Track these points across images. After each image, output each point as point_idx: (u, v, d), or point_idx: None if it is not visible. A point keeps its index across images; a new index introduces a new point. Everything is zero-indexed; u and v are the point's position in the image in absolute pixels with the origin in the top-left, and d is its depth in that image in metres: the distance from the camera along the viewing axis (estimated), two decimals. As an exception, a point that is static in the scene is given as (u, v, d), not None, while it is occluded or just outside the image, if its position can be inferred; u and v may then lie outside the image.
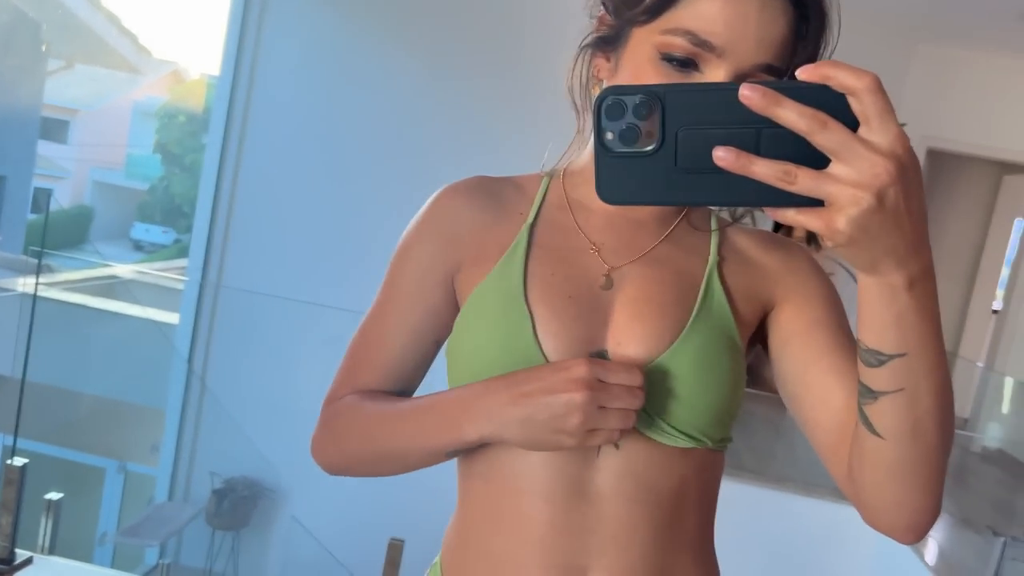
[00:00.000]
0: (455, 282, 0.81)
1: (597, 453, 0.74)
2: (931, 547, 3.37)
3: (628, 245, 0.79)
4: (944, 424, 0.62)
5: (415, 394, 0.85)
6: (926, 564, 3.18)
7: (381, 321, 0.82)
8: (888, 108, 0.48)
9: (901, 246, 0.52)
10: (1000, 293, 6.30)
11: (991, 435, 5.76)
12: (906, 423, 0.61)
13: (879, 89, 0.48)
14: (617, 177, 0.53)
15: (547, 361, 0.73)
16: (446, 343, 0.80)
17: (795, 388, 0.76)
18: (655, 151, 0.51)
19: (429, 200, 0.82)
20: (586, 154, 0.82)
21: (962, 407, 6.25)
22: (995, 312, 6.33)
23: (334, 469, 0.84)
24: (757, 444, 4.27)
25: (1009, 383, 5.56)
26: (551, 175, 0.84)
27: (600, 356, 0.74)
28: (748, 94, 0.48)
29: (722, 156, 0.48)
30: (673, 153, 0.51)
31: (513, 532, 0.75)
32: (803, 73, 0.49)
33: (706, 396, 0.74)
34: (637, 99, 0.51)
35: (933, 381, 0.59)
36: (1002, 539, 2.92)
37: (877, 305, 0.56)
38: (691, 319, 0.75)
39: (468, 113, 4.39)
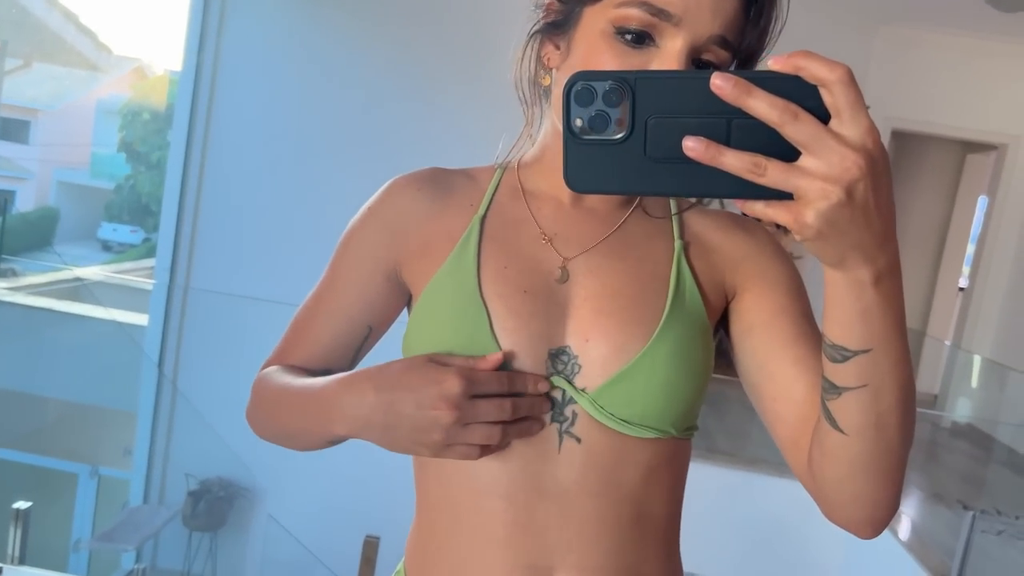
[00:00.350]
0: (401, 273, 0.80)
1: (559, 449, 0.72)
2: (904, 523, 3.43)
3: (581, 235, 0.77)
4: (906, 421, 0.61)
5: None
6: (900, 540, 3.23)
7: (319, 302, 0.82)
8: (860, 101, 0.47)
9: (869, 241, 0.51)
10: (966, 270, 6.40)
11: (960, 411, 5.86)
12: (869, 419, 0.60)
13: (851, 81, 0.47)
14: (585, 165, 0.52)
15: (507, 361, 0.71)
16: (402, 338, 0.78)
17: (756, 378, 0.75)
18: (624, 139, 0.50)
19: (379, 190, 0.81)
20: (538, 145, 0.80)
21: (931, 384, 6.35)
22: (961, 289, 6.43)
23: (261, 436, 0.85)
24: (730, 426, 4.31)
25: (977, 360, 5.66)
26: (504, 166, 0.82)
27: (561, 353, 0.73)
28: (719, 83, 0.47)
29: (692, 146, 0.48)
30: (643, 141, 0.50)
31: (475, 534, 0.73)
32: (775, 63, 0.48)
33: (682, 389, 0.73)
34: (607, 85, 0.50)
35: (897, 378, 0.59)
36: (972, 512, 2.97)
37: (844, 300, 0.55)
38: (666, 311, 0.74)
39: (435, 106, 4.36)
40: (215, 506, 4.54)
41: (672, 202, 0.81)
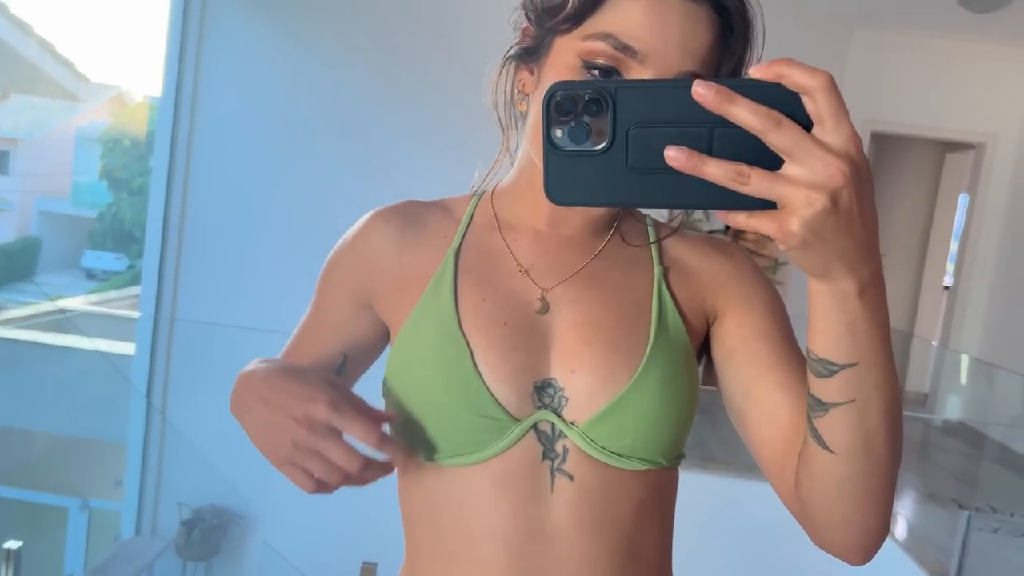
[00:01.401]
0: (376, 308, 0.79)
1: (551, 489, 0.71)
2: (900, 524, 3.43)
3: (559, 264, 0.76)
4: (894, 437, 0.60)
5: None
6: (896, 541, 3.24)
7: (302, 327, 0.84)
8: (842, 108, 0.47)
9: (853, 250, 0.50)
10: (950, 268, 6.45)
11: (951, 410, 5.88)
12: (857, 436, 0.59)
13: (833, 88, 0.47)
14: (565, 177, 0.50)
15: (491, 395, 0.70)
16: (383, 377, 0.77)
17: (740, 403, 0.74)
18: (605, 150, 0.49)
19: (354, 225, 0.82)
20: (514, 171, 0.79)
21: (921, 383, 6.37)
22: (946, 288, 6.47)
23: None
24: (725, 435, 4.31)
25: (965, 359, 5.70)
26: (479, 195, 0.81)
27: (547, 386, 0.72)
28: (701, 91, 0.46)
29: (673, 156, 0.47)
30: (624, 152, 0.49)
31: None
32: (757, 71, 0.47)
33: (671, 418, 0.72)
34: (587, 95, 0.49)
35: (884, 392, 0.58)
36: (967, 511, 2.97)
37: (829, 313, 0.54)
38: (651, 340, 0.73)
39: (418, 129, 4.37)
40: (209, 535, 4.50)
41: (651, 230, 0.81)
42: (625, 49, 0.65)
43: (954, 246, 6.44)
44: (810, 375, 0.59)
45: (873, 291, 0.54)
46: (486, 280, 0.75)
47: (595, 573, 0.71)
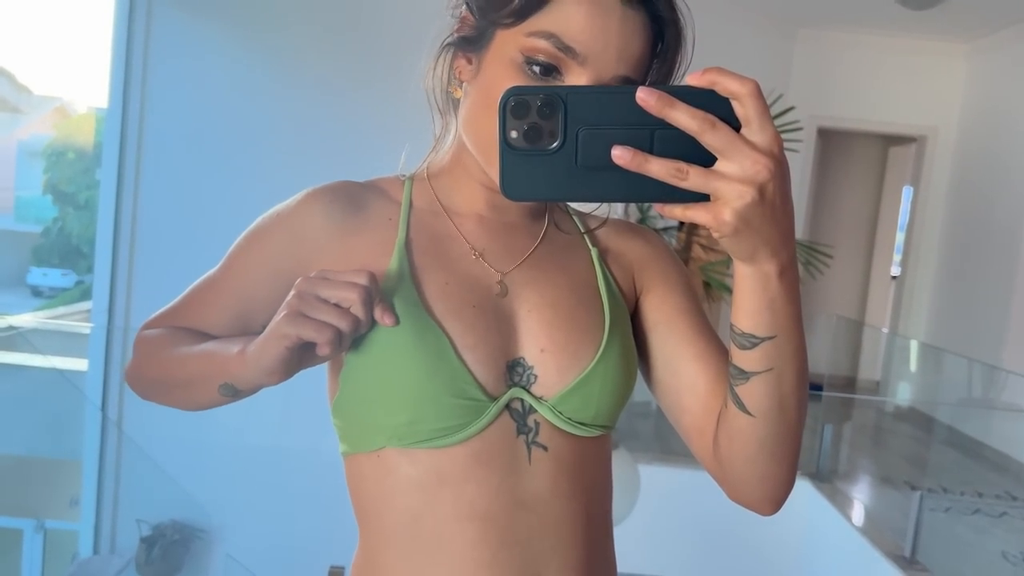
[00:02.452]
0: None
1: (529, 461, 0.74)
2: (856, 508, 3.52)
3: (508, 249, 0.80)
4: (803, 401, 0.68)
5: None
6: (854, 525, 3.32)
7: (214, 291, 0.83)
8: (766, 111, 0.53)
9: (776, 237, 0.57)
10: (897, 258, 6.63)
11: (901, 395, 6.04)
12: (773, 400, 0.66)
13: (759, 94, 0.52)
14: (520, 174, 0.55)
15: (474, 378, 0.72)
16: (341, 370, 0.76)
17: (663, 375, 0.81)
18: (557, 149, 0.54)
19: (292, 198, 0.81)
20: (448, 156, 0.81)
21: (872, 371, 6.53)
22: (894, 278, 6.64)
23: (137, 391, 0.85)
24: (685, 428, 4.37)
25: (915, 345, 5.85)
26: (411, 178, 0.83)
27: (516, 365, 0.75)
28: (644, 97, 0.52)
29: (619, 155, 0.52)
30: (574, 151, 0.54)
31: (461, 559, 0.73)
32: (692, 78, 0.53)
33: (626, 387, 0.78)
34: (540, 99, 0.54)
35: (796, 361, 0.65)
36: (919, 493, 3.06)
37: (753, 292, 0.61)
38: (607, 317, 0.78)
39: (366, 129, 4.36)
40: (170, 551, 4.42)
41: (577, 220, 0.86)
42: (567, 50, 0.68)
43: (900, 237, 6.63)
44: (733, 348, 0.66)
45: (790, 272, 0.61)
46: (443, 264, 0.77)
47: (574, 534, 0.76)
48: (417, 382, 0.71)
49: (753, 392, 0.66)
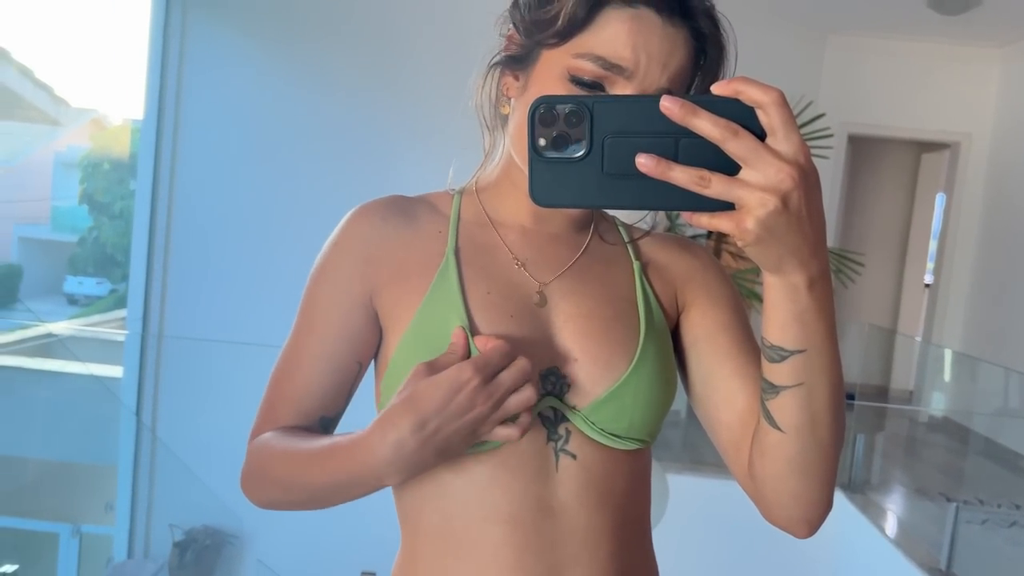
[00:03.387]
0: (376, 303, 0.79)
1: (556, 468, 0.75)
2: (890, 519, 3.47)
3: (550, 260, 0.81)
4: (837, 418, 0.67)
5: (342, 418, 0.84)
6: (887, 537, 3.27)
7: (299, 350, 0.80)
8: (791, 120, 0.53)
9: (803, 247, 0.56)
10: (930, 266, 6.53)
11: (935, 405, 5.94)
12: (804, 416, 0.65)
13: (783, 103, 0.53)
14: (548, 181, 0.56)
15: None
16: (383, 376, 0.78)
17: (702, 389, 0.80)
18: (584, 157, 0.55)
19: (342, 221, 0.81)
20: (497, 170, 0.83)
21: (906, 380, 6.43)
22: (927, 286, 6.55)
23: (261, 505, 0.83)
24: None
25: (948, 354, 5.76)
26: (461, 192, 0.85)
27: (550, 374, 0.76)
28: (668, 105, 0.52)
29: (644, 162, 0.53)
30: (600, 159, 0.55)
31: (485, 561, 0.74)
32: (717, 88, 0.53)
33: (662, 401, 0.78)
34: (568, 108, 0.55)
35: (829, 376, 0.64)
36: (955, 504, 3.02)
37: (781, 303, 0.60)
38: (642, 330, 0.78)
39: (399, 145, 4.39)
40: (202, 556, 4.47)
41: (623, 231, 0.87)
42: (613, 68, 0.70)
43: (933, 244, 6.53)
44: (763, 360, 0.65)
45: (821, 284, 0.60)
46: (487, 274, 0.79)
47: (600, 543, 0.76)
48: None
49: (783, 407, 0.66)
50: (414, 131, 4.38)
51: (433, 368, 0.69)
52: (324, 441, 0.75)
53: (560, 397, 0.76)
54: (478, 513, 0.74)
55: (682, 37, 0.71)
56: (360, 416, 0.84)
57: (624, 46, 0.69)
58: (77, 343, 5.70)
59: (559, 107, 0.55)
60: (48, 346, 5.45)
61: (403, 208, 0.81)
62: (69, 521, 5.30)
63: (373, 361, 0.82)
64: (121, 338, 4.74)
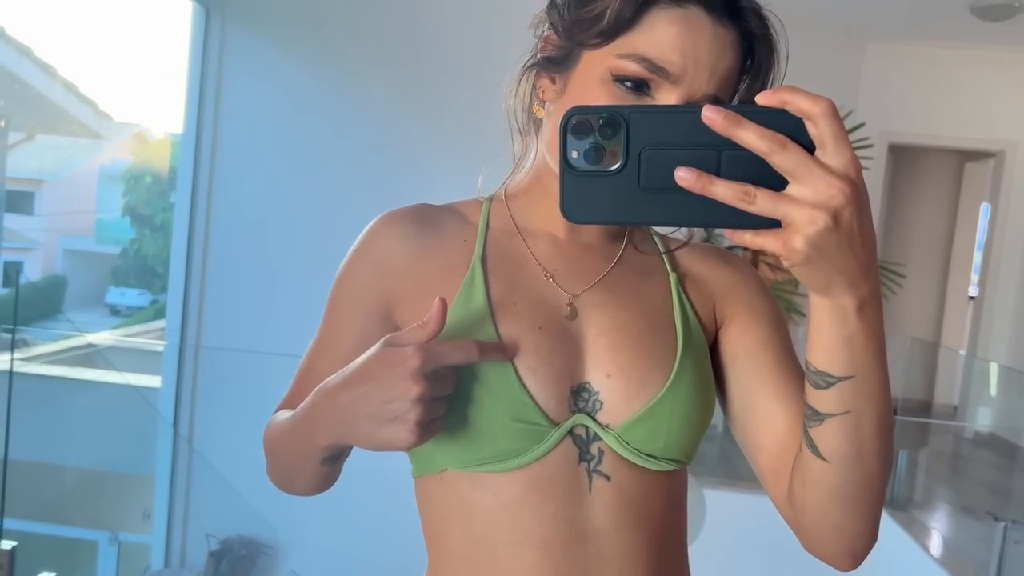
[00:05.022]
0: (395, 313, 0.78)
1: (589, 490, 0.72)
2: (935, 538, 3.38)
3: (581, 271, 0.78)
4: (885, 449, 0.63)
5: None
6: (932, 556, 3.18)
7: (319, 352, 0.81)
8: (843, 132, 0.49)
9: (854, 268, 0.53)
10: (975, 278, 6.39)
11: (981, 420, 5.80)
12: (850, 446, 0.62)
13: (834, 114, 0.49)
14: (581, 196, 0.53)
15: (535, 402, 0.71)
16: None
17: (740, 411, 0.77)
18: (619, 171, 0.52)
19: (365, 229, 0.80)
20: (528, 176, 0.80)
21: (950, 395, 6.29)
22: (972, 298, 6.40)
23: (283, 489, 0.84)
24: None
25: (994, 368, 5.62)
26: (490, 199, 0.82)
27: (582, 390, 0.73)
28: (710, 115, 0.49)
29: (683, 176, 0.49)
30: (636, 173, 0.52)
31: None
32: (762, 98, 0.50)
33: (699, 421, 0.74)
34: (602, 119, 0.52)
35: (877, 405, 0.60)
36: (1003, 524, 2.93)
37: (829, 327, 0.57)
38: (679, 346, 0.75)
39: (439, 155, 4.41)
40: (237, 565, 4.50)
41: (658, 240, 0.83)
42: (659, 71, 0.67)
43: (978, 256, 6.39)
44: (808, 386, 0.62)
45: (871, 307, 0.56)
46: (514, 285, 0.76)
47: (636, 569, 0.72)
48: (475, 404, 0.70)
49: (827, 435, 0.62)
50: (447, 145, 4.40)
51: (393, 337, 0.67)
52: (292, 411, 0.75)
53: (592, 415, 0.72)
54: (507, 536, 0.71)
55: (731, 39, 0.68)
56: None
57: (672, 49, 0.66)
58: (117, 353, 5.80)
59: (592, 118, 0.52)
60: (89, 356, 5.55)
61: (428, 216, 0.79)
62: (108, 529, 5.37)
63: None
64: (160, 348, 4.81)
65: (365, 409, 0.65)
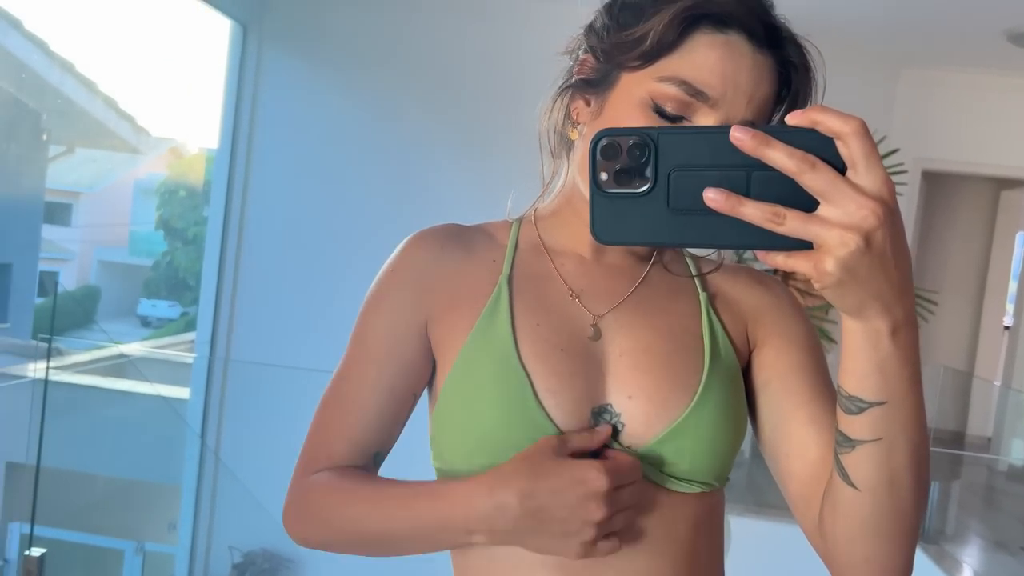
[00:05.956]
0: (429, 333, 0.77)
1: None
2: (967, 574, 3.30)
3: (607, 290, 0.77)
4: (920, 478, 0.61)
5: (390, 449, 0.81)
6: (963, 591, 3.11)
7: (353, 379, 0.78)
8: (875, 152, 0.49)
9: (887, 291, 0.52)
10: (1010, 308, 6.28)
11: (1016, 453, 5.67)
12: (883, 475, 0.60)
13: (866, 133, 0.49)
14: (611, 217, 0.53)
15: (553, 423, 0.70)
16: (433, 410, 0.76)
17: (772, 436, 0.75)
18: (648, 192, 0.52)
19: (397, 249, 0.80)
20: (557, 197, 0.80)
21: (983, 427, 6.17)
22: (1007, 328, 6.29)
23: (309, 545, 0.79)
24: (779, 479, 4.21)
25: (1029, 399, 5.50)
26: (520, 220, 0.82)
27: (603, 412, 0.72)
28: (739, 136, 0.48)
29: (712, 197, 0.49)
30: (665, 194, 0.52)
31: None
32: (792, 118, 0.50)
33: (726, 443, 0.73)
34: (631, 140, 0.52)
35: (912, 432, 0.59)
36: (1038, 560, 2.85)
37: (861, 351, 0.56)
38: (706, 367, 0.74)
39: (468, 174, 4.44)
40: (260, 579, 4.51)
41: (690, 262, 0.82)
42: (698, 95, 0.67)
43: (1013, 285, 6.28)
44: (839, 411, 0.60)
45: (905, 331, 0.55)
46: (538, 305, 0.76)
47: None
48: (493, 426, 0.70)
49: (859, 463, 0.60)
50: (476, 165, 4.42)
51: (562, 446, 0.67)
52: (403, 485, 0.72)
53: (613, 435, 0.72)
54: (527, 556, 0.70)
55: (769, 67, 0.68)
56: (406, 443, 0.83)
57: (712, 73, 0.66)
58: (148, 364, 5.87)
59: (622, 140, 0.52)
60: (120, 366, 5.63)
61: (459, 236, 0.80)
62: (134, 538, 5.42)
63: (427, 390, 0.81)
64: (189, 360, 4.86)
65: (543, 523, 0.65)
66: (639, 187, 0.52)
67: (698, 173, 0.51)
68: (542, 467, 0.65)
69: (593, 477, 0.64)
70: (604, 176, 0.53)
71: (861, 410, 0.58)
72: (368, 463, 0.79)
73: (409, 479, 0.73)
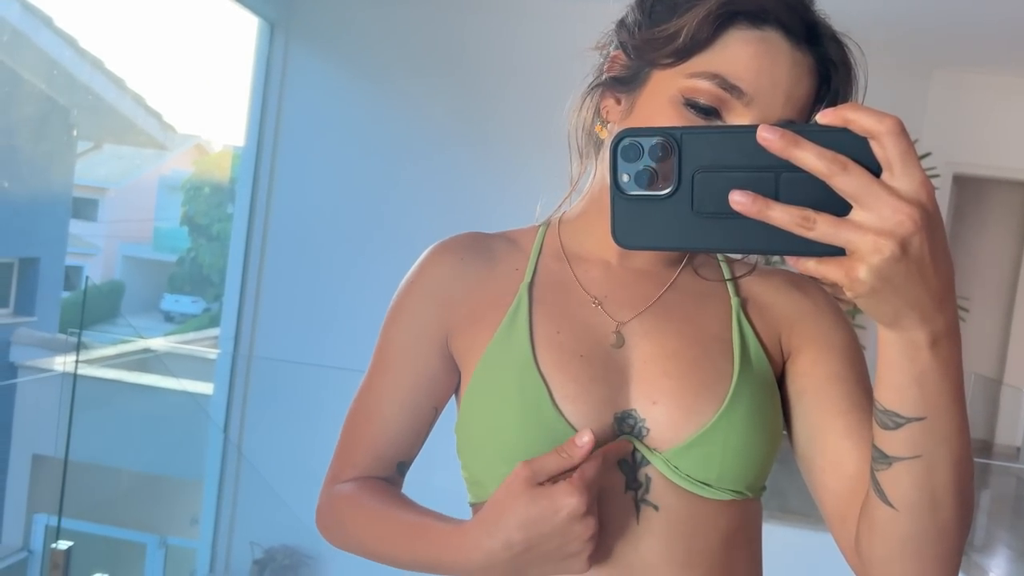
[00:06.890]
0: (450, 345, 0.76)
1: (637, 520, 0.69)
2: (995, 585, 3.25)
3: (632, 296, 0.75)
4: (963, 498, 0.57)
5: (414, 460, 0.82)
6: (992, 603, 3.06)
7: (375, 392, 0.78)
8: (912, 152, 0.46)
9: (926, 299, 0.48)
10: (1041, 315, 6.18)
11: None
12: (922, 494, 0.56)
13: (902, 132, 0.45)
14: (632, 220, 0.51)
15: (572, 428, 0.68)
16: (456, 421, 0.75)
17: (807, 448, 0.72)
18: (671, 194, 0.50)
19: (418, 260, 0.79)
20: (584, 199, 0.79)
21: (1012, 436, 6.07)
22: (1038, 335, 6.19)
23: (337, 547, 0.81)
24: (803, 484, 4.17)
25: (1059, 407, 5.41)
26: (546, 225, 0.80)
27: (627, 417, 0.70)
28: (767, 136, 0.46)
29: (739, 200, 0.46)
30: (689, 196, 0.49)
31: None
32: (824, 116, 0.47)
33: (758, 451, 0.70)
34: (653, 141, 0.50)
35: (953, 450, 0.55)
36: (1070, 573, 2.80)
37: (897, 363, 0.52)
38: (736, 372, 0.71)
39: (494, 174, 4.43)
40: (280, 575, 4.53)
41: (724, 266, 0.79)
42: (732, 89, 0.64)
43: (1045, 292, 6.18)
44: (875, 426, 0.57)
45: (946, 342, 0.51)
46: (559, 312, 0.74)
47: None
48: (512, 434, 0.69)
49: (896, 481, 0.57)
50: (504, 163, 4.41)
51: (536, 474, 0.64)
52: (416, 517, 0.72)
53: (638, 438, 0.70)
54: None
55: (808, 64, 0.66)
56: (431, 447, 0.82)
57: (747, 68, 0.64)
58: (172, 359, 5.92)
59: (643, 140, 0.50)
60: (145, 361, 5.68)
61: (481, 246, 0.78)
62: (157, 532, 5.47)
63: (454, 399, 0.80)
64: (213, 356, 4.90)
65: (537, 556, 0.64)
66: (662, 189, 0.50)
67: (724, 175, 0.48)
68: (515, 507, 0.63)
69: (565, 503, 0.62)
70: (625, 178, 0.50)
71: (898, 425, 0.55)
72: (392, 473, 0.80)
73: (435, 485, 0.73)
